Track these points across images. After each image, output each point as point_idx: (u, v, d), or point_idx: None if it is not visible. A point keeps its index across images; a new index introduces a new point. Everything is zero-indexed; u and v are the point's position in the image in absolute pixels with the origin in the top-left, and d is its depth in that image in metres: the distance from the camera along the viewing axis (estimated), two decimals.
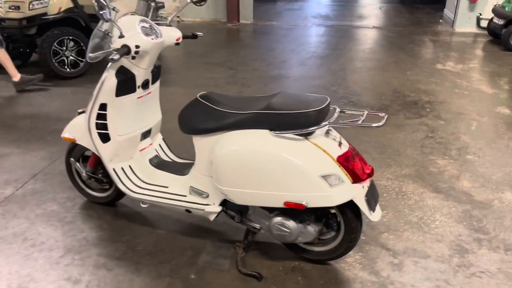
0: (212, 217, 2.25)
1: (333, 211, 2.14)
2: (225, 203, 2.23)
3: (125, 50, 2.05)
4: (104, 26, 2.17)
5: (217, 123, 2.09)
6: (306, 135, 1.96)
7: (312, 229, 2.09)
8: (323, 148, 1.95)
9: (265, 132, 1.99)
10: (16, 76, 4.64)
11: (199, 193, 2.25)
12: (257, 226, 2.21)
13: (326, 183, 1.91)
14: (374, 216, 2.02)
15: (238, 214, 2.21)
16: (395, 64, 5.88)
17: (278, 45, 6.92)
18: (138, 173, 2.44)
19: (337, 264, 2.27)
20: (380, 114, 2.03)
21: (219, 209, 2.21)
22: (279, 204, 1.99)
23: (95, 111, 2.27)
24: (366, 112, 2.01)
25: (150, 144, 2.54)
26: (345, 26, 8.60)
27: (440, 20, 8.60)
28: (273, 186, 1.97)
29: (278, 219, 2.09)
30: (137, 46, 2.11)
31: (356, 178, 1.95)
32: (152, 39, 2.19)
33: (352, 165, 1.94)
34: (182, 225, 2.61)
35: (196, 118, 2.16)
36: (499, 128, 3.91)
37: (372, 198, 2.04)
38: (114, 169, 2.38)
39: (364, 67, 5.71)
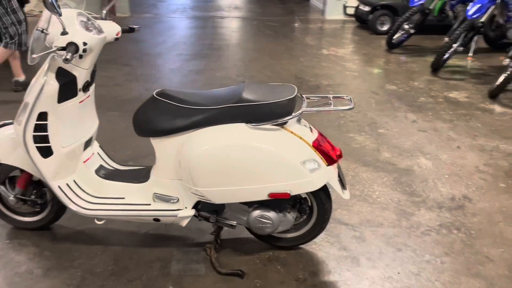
0: (184, 223, 2.12)
1: (304, 195, 2.19)
2: (196, 206, 2.11)
3: (73, 48, 1.79)
4: (41, 23, 1.85)
5: (184, 122, 1.96)
6: (282, 124, 1.96)
7: (290, 216, 2.11)
8: (299, 135, 1.97)
9: (241, 126, 1.93)
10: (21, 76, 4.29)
11: (166, 199, 2.09)
12: (234, 223, 2.15)
13: (306, 169, 1.94)
14: (346, 194, 2.12)
15: (214, 214, 2.12)
16: (287, 52, 6.15)
17: (165, 38, 6.69)
18: (85, 187, 2.17)
19: (308, 247, 2.34)
20: (344, 96, 2.13)
21: (192, 212, 2.09)
22: (263, 196, 1.97)
23: (33, 122, 1.94)
24: (331, 96, 2.09)
25: (92, 154, 2.27)
26: (224, 16, 8.67)
27: (321, 10, 9.19)
28: (256, 179, 1.93)
29: (257, 212, 2.06)
30: (84, 43, 1.85)
31: (330, 161, 2.02)
32: (94, 34, 1.95)
33: (325, 148, 2.01)
34: (137, 237, 2.40)
35: (157, 119, 1.99)
36: (393, 103, 4.38)
37: (342, 178, 2.13)
38: (59, 187, 2.07)
39: (260, 57, 5.85)
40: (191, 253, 2.29)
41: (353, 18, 8.31)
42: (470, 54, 6.00)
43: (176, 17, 8.42)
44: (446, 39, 5.28)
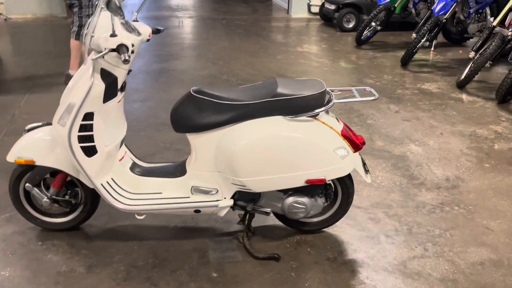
0: (223, 213, 2.24)
1: (329, 181, 2.37)
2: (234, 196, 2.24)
3: (125, 49, 1.86)
4: (89, 27, 1.91)
5: (224, 117, 2.08)
6: (315, 115, 2.12)
7: (320, 201, 2.29)
8: (329, 125, 2.15)
9: (279, 118, 2.08)
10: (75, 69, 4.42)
11: (206, 191, 2.20)
12: (268, 210, 2.29)
13: (338, 156, 2.12)
14: (368, 178, 2.32)
15: (251, 203, 2.26)
16: (262, 50, 6.32)
17: None
18: (123, 185, 2.23)
19: (331, 230, 2.52)
20: (366, 88, 2.33)
21: (231, 202, 2.21)
22: (301, 183, 2.13)
23: (78, 122, 1.99)
24: (353, 89, 2.28)
25: (126, 152, 2.34)
26: (193, 16, 8.71)
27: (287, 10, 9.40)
28: (294, 167, 2.09)
29: (292, 198, 2.22)
30: (132, 45, 1.93)
31: (356, 148, 2.21)
32: (136, 36, 2.02)
33: (351, 137, 2.20)
34: (168, 231, 2.49)
35: (197, 115, 2.10)
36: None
37: (364, 163, 2.33)
38: (102, 185, 2.12)
39: (238, 55, 5.98)
40: (224, 242, 2.41)
41: (318, 16, 8.62)
42: (432, 48, 6.44)
43: (140, 18, 8.36)
44: (414, 35, 5.64)
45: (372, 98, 2.20)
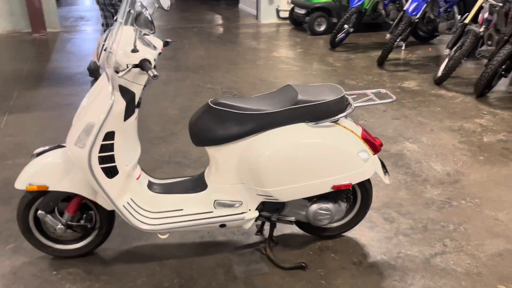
0: (248, 225, 2.19)
1: None
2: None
3: (149, 65, 1.79)
4: (106, 43, 1.82)
5: (247, 127, 2.04)
6: (336, 120, 2.12)
7: (343, 206, 2.28)
8: (350, 129, 2.15)
9: (302, 125, 2.07)
10: None
11: (229, 204, 2.15)
12: (293, 219, 2.27)
13: (361, 159, 2.13)
14: (387, 179, 2.34)
15: (276, 213, 2.22)
16: (240, 57, 6.29)
17: None
18: (142, 204, 2.14)
19: (350, 233, 2.52)
20: (381, 91, 2.35)
21: (256, 213, 2.17)
22: (327, 189, 2.12)
23: (99, 143, 1.89)
24: (369, 92, 2.30)
25: (141, 171, 2.25)
26: (160, 26, 8.57)
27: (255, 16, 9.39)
28: (320, 174, 2.07)
29: (317, 205, 2.21)
30: (154, 59, 1.86)
31: (375, 150, 2.23)
32: (153, 50, 1.95)
33: (371, 139, 2.21)
34: (187, 248, 2.42)
35: (218, 127, 2.05)
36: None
37: (383, 165, 2.35)
38: (124, 206, 2.03)
39: (217, 63, 5.92)
40: (247, 255, 2.36)
41: (287, 21, 8.69)
42: (403, 47, 6.63)
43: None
44: (388, 35, 5.79)
45: (390, 100, 2.23)
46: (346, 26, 6.59)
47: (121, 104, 1.90)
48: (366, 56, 6.35)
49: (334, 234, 2.47)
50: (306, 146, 2.04)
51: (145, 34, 2.17)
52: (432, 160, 3.37)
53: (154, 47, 2.00)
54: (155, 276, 2.21)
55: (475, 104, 4.52)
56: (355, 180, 2.14)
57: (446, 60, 5.13)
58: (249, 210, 2.17)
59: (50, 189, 2.04)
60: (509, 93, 4.86)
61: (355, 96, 2.30)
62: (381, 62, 5.81)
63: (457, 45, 5.05)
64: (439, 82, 5.08)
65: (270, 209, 2.22)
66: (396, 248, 2.42)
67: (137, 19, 1.77)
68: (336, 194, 2.22)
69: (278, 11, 8.90)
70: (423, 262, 2.32)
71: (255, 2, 9.25)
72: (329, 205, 2.21)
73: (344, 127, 2.14)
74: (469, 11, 6.00)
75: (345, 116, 2.20)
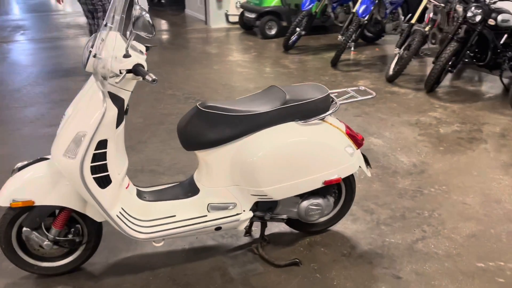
0: (243, 226, 2.20)
1: None
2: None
3: (144, 69, 1.75)
4: (95, 48, 1.76)
5: (238, 129, 2.06)
6: (323, 118, 2.19)
7: (331, 200, 2.36)
8: (335, 126, 2.23)
9: (292, 124, 2.11)
10: None
11: (223, 206, 2.15)
12: (285, 217, 2.31)
13: (348, 154, 2.22)
14: (369, 172, 2.44)
15: (269, 212, 2.25)
16: (196, 62, 6.26)
17: (52, 61, 6.20)
18: (133, 213, 2.09)
19: (335, 228, 2.60)
20: (360, 88, 2.45)
21: (251, 214, 2.19)
22: (319, 185, 2.17)
23: (91, 152, 1.82)
24: (349, 89, 2.39)
25: (129, 180, 2.19)
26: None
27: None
28: (312, 170, 2.13)
29: (308, 201, 2.26)
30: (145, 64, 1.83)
31: (358, 145, 2.32)
32: (142, 55, 1.92)
33: (354, 135, 2.30)
34: (177, 254, 2.38)
35: (210, 130, 2.05)
36: None
37: (366, 158, 2.45)
38: (118, 216, 1.97)
39: (174, 69, 5.85)
40: (240, 256, 2.37)
41: (237, 25, 8.76)
42: (352, 48, 6.91)
43: (50, 38, 7.81)
44: (340, 37, 6.01)
45: (370, 96, 2.33)
46: (298, 29, 6.76)
47: (113, 111, 1.84)
48: (319, 58, 6.55)
49: (321, 229, 2.54)
50: (298, 144, 2.09)
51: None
52: (397, 153, 3.55)
53: (141, 52, 1.97)
54: (150, 286, 2.16)
55: (426, 99, 4.81)
56: (344, 174, 2.22)
57: (396, 58, 5.42)
58: (243, 211, 2.18)
59: (36, 204, 1.94)
60: (454, 87, 5.21)
61: (336, 94, 2.39)
62: (334, 63, 6.01)
63: (405, 44, 5.35)
64: (391, 79, 5.35)
65: (263, 209, 2.24)
66: (380, 237, 2.53)
67: (135, 23, 1.74)
68: (325, 189, 2.29)
69: (227, 15, 8.95)
70: (407, 248, 2.44)
71: (203, 7, 9.25)
72: (320, 201, 2.27)
73: (330, 124, 2.21)
74: (411, 13, 6.39)
75: (331, 114, 2.28)
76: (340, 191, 2.47)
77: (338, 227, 2.61)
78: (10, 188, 1.93)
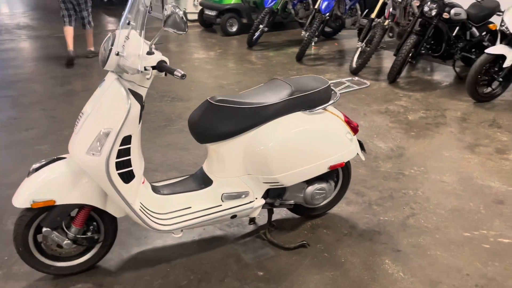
0: (256, 213, 2.31)
1: None
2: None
3: (167, 65, 1.81)
4: (116, 47, 1.80)
5: (250, 121, 2.16)
6: (326, 107, 2.34)
7: (333, 184, 2.52)
8: (336, 114, 2.39)
9: (299, 114, 2.25)
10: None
11: (237, 195, 2.25)
12: (292, 202, 2.44)
13: (348, 140, 2.39)
14: (363, 157, 2.63)
15: (278, 198, 2.37)
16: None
17: (32, 62, 5.96)
18: (150, 207, 2.14)
19: (332, 211, 2.77)
20: (353, 78, 2.62)
21: (263, 201, 2.30)
22: (325, 170, 2.32)
23: (116, 148, 1.86)
24: (345, 80, 2.56)
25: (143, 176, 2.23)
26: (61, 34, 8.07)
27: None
28: (319, 156, 2.28)
29: (314, 186, 2.41)
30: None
31: (355, 131, 2.50)
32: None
33: (351, 122, 2.48)
34: (189, 246, 2.45)
35: (222, 123, 2.14)
36: None
37: (361, 144, 2.63)
38: (140, 209, 2.02)
39: None
40: (250, 243, 2.48)
41: (196, 23, 8.77)
42: (313, 43, 7.16)
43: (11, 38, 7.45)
44: (303, 32, 6.22)
45: (365, 85, 2.52)
46: (261, 26, 6.90)
47: (136, 107, 1.89)
48: (282, 53, 6.73)
49: (321, 213, 2.70)
50: (306, 132, 2.23)
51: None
52: (375, 140, 3.79)
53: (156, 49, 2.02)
54: (169, 277, 2.22)
55: (390, 89, 5.12)
56: (346, 158, 2.39)
57: (358, 52, 5.70)
58: (256, 198, 2.29)
59: (58, 203, 1.95)
60: (413, 77, 5.58)
61: (333, 84, 2.55)
62: (300, 58, 6.22)
63: (367, 38, 5.65)
64: (355, 72, 5.63)
65: (274, 196, 2.37)
66: (374, 216, 2.73)
67: (166, 21, 1.79)
68: (328, 174, 2.45)
69: (185, 13, 8.92)
70: (400, 224, 2.66)
71: (160, 5, 9.16)
72: (324, 185, 2.43)
73: (331, 112, 2.37)
74: (368, 8, 6.72)
75: (333, 103, 2.44)
76: (338, 175, 2.64)
77: (335, 210, 2.78)
78: (29, 189, 1.93)
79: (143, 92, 1.97)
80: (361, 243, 2.49)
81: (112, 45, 1.87)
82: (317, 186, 2.41)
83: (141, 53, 1.82)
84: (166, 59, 1.88)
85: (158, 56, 1.85)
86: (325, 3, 5.99)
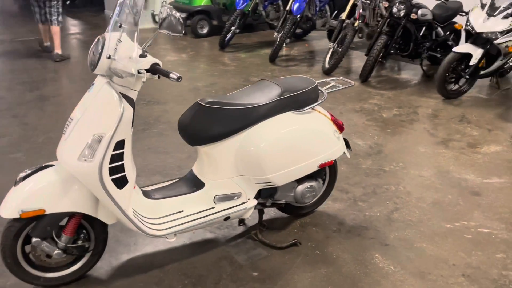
0: (249, 214, 2.32)
1: None
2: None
3: (162, 68, 1.79)
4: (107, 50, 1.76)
5: (242, 122, 2.17)
6: (314, 107, 2.37)
7: (321, 182, 2.56)
8: (323, 113, 2.43)
9: (289, 114, 2.27)
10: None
11: (229, 197, 2.25)
12: (283, 201, 2.45)
13: (335, 138, 2.43)
14: (349, 154, 2.68)
15: (270, 198, 2.38)
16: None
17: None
18: (143, 212, 2.11)
19: (319, 209, 2.81)
20: (337, 78, 2.67)
21: (255, 202, 2.31)
22: (315, 168, 2.36)
23: (109, 153, 1.82)
24: (329, 79, 2.61)
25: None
26: (15, 40, 7.79)
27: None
28: (310, 155, 2.31)
29: (304, 185, 2.43)
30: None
31: (341, 130, 2.55)
32: None
33: (337, 121, 2.52)
34: (180, 250, 2.44)
35: (214, 125, 2.13)
36: None
37: (347, 142, 2.67)
38: (133, 215, 1.98)
39: None
40: (241, 244, 2.48)
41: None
42: (285, 44, 7.22)
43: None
44: (276, 34, 6.27)
45: (350, 85, 2.57)
46: (232, 27, 6.90)
47: (129, 111, 1.86)
48: (255, 55, 6.76)
49: (309, 211, 2.73)
50: (297, 131, 2.26)
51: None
52: (353, 138, 3.87)
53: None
54: (164, 282, 2.19)
55: (363, 88, 5.24)
56: (334, 156, 2.43)
57: (330, 52, 5.80)
58: (248, 199, 2.30)
59: (48, 212, 1.89)
60: (383, 76, 5.73)
61: (319, 84, 2.59)
62: (273, 59, 6.26)
63: (338, 39, 5.76)
64: (328, 72, 5.72)
65: (265, 196, 2.38)
66: (360, 212, 2.79)
67: (161, 24, 1.77)
68: (317, 173, 2.49)
69: (153, 15, 8.82)
70: (386, 219, 2.73)
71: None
72: (313, 183, 2.46)
73: (319, 112, 2.41)
74: (337, 10, 6.85)
75: (321, 103, 2.48)
76: (325, 173, 2.68)
77: (322, 207, 2.82)
78: (17, 199, 1.86)
79: (133, 95, 1.94)
80: (351, 239, 2.54)
81: (102, 48, 1.83)
82: (307, 184, 2.44)
83: (134, 56, 1.80)
84: (159, 62, 1.86)
85: (151, 59, 1.83)
86: (297, 5, 6.06)
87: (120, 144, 1.86)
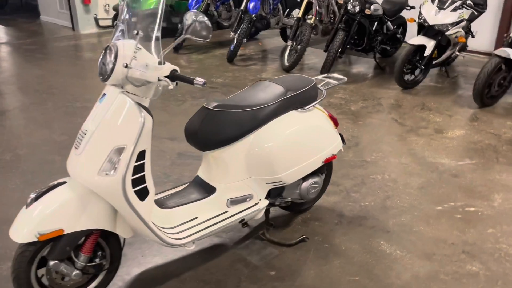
0: (261, 214, 2.32)
1: None
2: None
3: (183, 75, 1.74)
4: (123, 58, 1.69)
5: (253, 123, 2.18)
6: (315, 104, 2.43)
7: (323, 177, 2.62)
8: (322, 110, 2.49)
9: (293, 113, 2.31)
10: None
11: (242, 199, 2.24)
12: (289, 199, 2.48)
13: (335, 133, 2.50)
14: (343, 149, 2.77)
15: (279, 197, 2.40)
16: (87, 70, 5.86)
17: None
18: (158, 222, 2.04)
19: (317, 203, 2.87)
20: (328, 75, 2.73)
21: (267, 202, 2.32)
22: (320, 164, 2.41)
23: (132, 165, 1.75)
24: (321, 76, 2.67)
25: None
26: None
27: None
28: (315, 152, 2.36)
29: (309, 181, 2.48)
30: None
31: (336, 125, 2.63)
32: None
33: (333, 117, 2.60)
34: (193, 257, 2.40)
35: (224, 129, 2.12)
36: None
37: (342, 136, 2.75)
38: (154, 225, 1.92)
39: (70, 80, 5.38)
40: (251, 245, 2.49)
41: (109, 29, 8.35)
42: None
43: None
44: (232, 34, 6.27)
45: (343, 80, 2.65)
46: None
47: (149, 120, 1.80)
48: (212, 56, 6.72)
49: (308, 206, 2.79)
50: (303, 129, 2.30)
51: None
52: None
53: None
54: None
55: None
56: (335, 151, 2.50)
57: (288, 50, 5.91)
58: (260, 200, 2.30)
59: (66, 232, 1.78)
60: (341, 70, 5.93)
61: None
62: (231, 59, 6.26)
63: (296, 36, 5.88)
64: (288, 70, 5.82)
65: (274, 195, 2.40)
66: (355, 203, 2.90)
67: (188, 29, 1.72)
68: (319, 168, 2.55)
69: (96, 20, 8.47)
70: (381, 207, 2.85)
71: (66, 12, 8.58)
72: (317, 179, 2.52)
73: (319, 108, 2.47)
74: (289, 8, 6.97)
75: (321, 100, 2.53)
76: (326, 168, 2.75)
77: (318, 202, 2.89)
78: (32, 221, 1.74)
79: (147, 104, 1.88)
80: (353, 229, 2.63)
81: (115, 57, 1.75)
82: (311, 180, 2.49)
83: (153, 63, 1.74)
84: (177, 68, 1.82)
85: (170, 66, 1.79)
86: (252, 4, 6.10)
87: (141, 155, 1.80)
